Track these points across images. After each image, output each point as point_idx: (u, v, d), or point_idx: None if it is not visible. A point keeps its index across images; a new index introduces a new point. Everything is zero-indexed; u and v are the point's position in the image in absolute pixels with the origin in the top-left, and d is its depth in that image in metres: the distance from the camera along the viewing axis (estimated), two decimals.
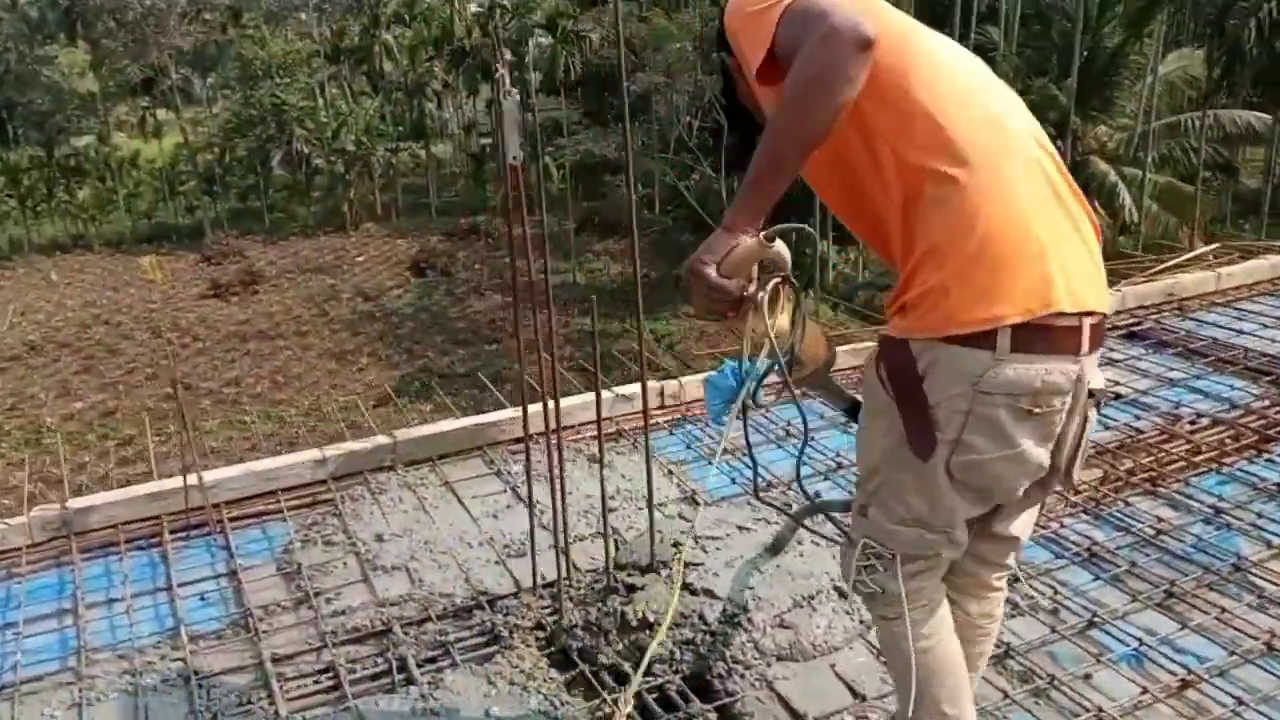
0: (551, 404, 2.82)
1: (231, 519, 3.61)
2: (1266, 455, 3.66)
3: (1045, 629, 2.77)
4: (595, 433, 4.11)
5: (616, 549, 3.12)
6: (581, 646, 2.72)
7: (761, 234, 1.74)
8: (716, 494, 3.61)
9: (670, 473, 3.75)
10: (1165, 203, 18.56)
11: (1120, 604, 2.87)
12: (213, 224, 17.43)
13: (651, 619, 2.70)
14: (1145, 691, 2.52)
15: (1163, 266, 5.62)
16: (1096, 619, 2.78)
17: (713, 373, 1.95)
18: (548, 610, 2.94)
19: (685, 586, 2.82)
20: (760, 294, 1.79)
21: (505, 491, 3.69)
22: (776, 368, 1.83)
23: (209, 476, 3.66)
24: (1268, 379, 4.27)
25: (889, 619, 1.93)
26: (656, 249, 16.01)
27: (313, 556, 3.33)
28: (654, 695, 2.60)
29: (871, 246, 1.96)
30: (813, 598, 2.81)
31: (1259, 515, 3.27)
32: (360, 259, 16.63)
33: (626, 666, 2.67)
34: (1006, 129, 1.76)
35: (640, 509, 3.48)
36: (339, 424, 11.14)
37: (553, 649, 2.78)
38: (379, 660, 2.79)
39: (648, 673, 2.65)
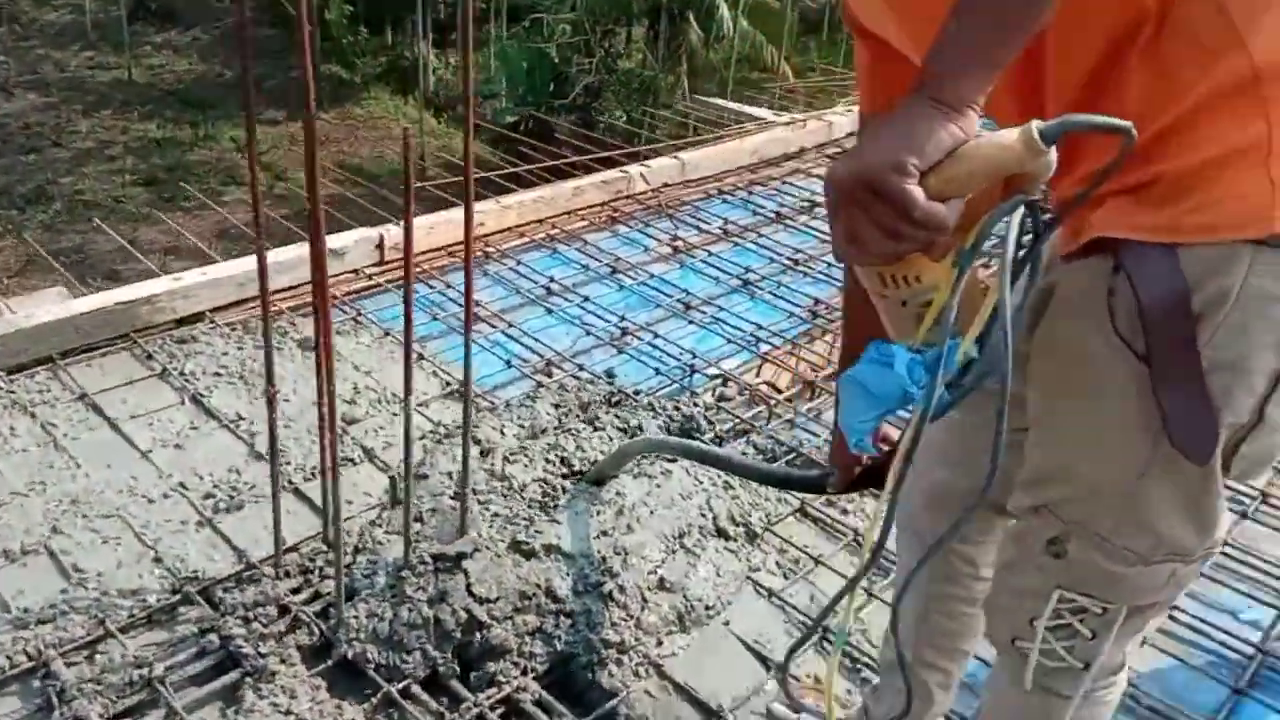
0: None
1: None
2: None
3: None
4: (299, 302, 2.98)
5: (393, 487, 2.19)
6: (379, 664, 1.83)
7: (1034, 124, 0.84)
8: (487, 383, 2.74)
9: (421, 356, 2.80)
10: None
11: None
12: None
13: (484, 618, 1.84)
14: None
15: None
16: None
17: (862, 365, 1.00)
18: (303, 597, 1.98)
19: (516, 547, 1.99)
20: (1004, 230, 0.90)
21: (182, 403, 2.55)
22: (978, 367, 0.95)
23: None
24: None
25: (1065, 697, 1.19)
26: (227, 43, 13.76)
27: None
28: (500, 712, 1.81)
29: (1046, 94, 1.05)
30: (683, 537, 2.11)
31: None
32: None
33: (453, 675, 1.84)
34: None
35: (396, 415, 2.53)
36: None
37: (330, 661, 1.86)
38: None
39: (489, 683, 1.83)
